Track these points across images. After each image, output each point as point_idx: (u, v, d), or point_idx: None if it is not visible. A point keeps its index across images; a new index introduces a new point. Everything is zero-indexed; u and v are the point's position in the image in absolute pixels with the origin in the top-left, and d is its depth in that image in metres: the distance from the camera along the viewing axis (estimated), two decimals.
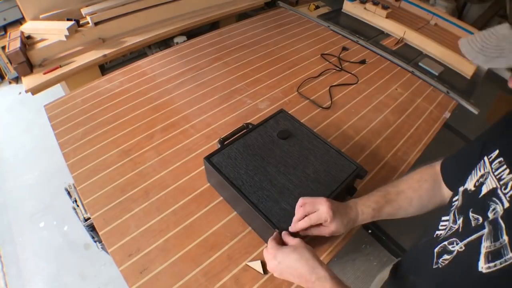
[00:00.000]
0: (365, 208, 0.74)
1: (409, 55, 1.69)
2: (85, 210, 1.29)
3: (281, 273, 0.64)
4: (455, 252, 0.48)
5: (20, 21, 2.40)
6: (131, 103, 1.24)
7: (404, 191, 0.73)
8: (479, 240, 0.43)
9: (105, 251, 1.65)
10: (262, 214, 0.76)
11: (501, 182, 0.45)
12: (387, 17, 1.84)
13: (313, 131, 0.97)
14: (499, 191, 0.45)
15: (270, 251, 0.67)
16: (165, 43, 2.11)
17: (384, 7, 1.86)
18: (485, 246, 0.42)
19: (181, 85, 1.34)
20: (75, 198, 1.37)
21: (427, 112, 1.31)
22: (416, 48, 1.75)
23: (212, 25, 2.30)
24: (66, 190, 1.42)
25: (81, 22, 1.79)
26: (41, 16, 1.77)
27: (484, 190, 0.48)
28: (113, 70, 1.40)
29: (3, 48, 2.41)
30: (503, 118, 0.58)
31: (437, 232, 0.58)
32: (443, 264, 0.50)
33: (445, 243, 0.51)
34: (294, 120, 1.00)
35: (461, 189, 0.56)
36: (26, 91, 1.52)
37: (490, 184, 0.47)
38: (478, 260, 0.42)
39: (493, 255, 0.40)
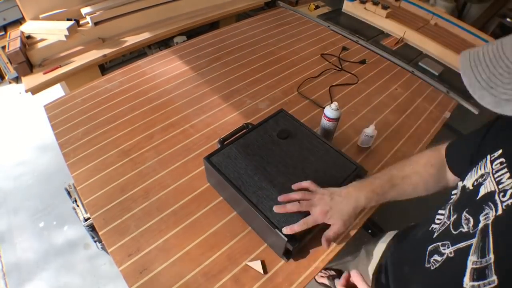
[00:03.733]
0: (369, 193, 0.73)
1: (409, 55, 1.69)
2: (85, 210, 1.30)
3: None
4: (445, 256, 0.48)
5: (20, 21, 2.40)
6: (131, 103, 1.24)
7: (410, 176, 0.72)
8: (467, 251, 0.43)
9: (105, 251, 1.65)
10: (262, 214, 0.76)
11: (500, 186, 0.44)
12: (387, 17, 1.84)
13: (313, 131, 0.97)
14: (496, 196, 0.43)
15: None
16: (165, 43, 2.11)
17: (384, 7, 1.86)
18: (471, 260, 0.42)
19: (181, 85, 1.34)
20: (75, 198, 1.37)
21: (427, 112, 1.31)
22: (416, 48, 1.75)
23: (212, 25, 2.30)
24: (66, 190, 1.43)
25: (81, 22, 1.80)
26: (41, 16, 1.77)
27: (482, 192, 0.46)
28: (113, 70, 1.40)
29: (3, 48, 2.41)
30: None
31: (433, 225, 0.58)
32: (434, 266, 0.50)
33: (439, 243, 0.51)
34: (294, 120, 1.00)
35: (460, 184, 0.55)
36: (26, 91, 1.52)
37: (488, 186, 0.46)
38: (464, 275, 0.42)
39: (478, 274, 0.40)
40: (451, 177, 0.70)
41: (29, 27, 1.71)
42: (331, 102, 1.08)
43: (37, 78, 1.56)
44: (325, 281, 1.45)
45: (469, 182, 0.52)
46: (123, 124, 1.15)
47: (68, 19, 1.75)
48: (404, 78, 1.48)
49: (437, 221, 0.57)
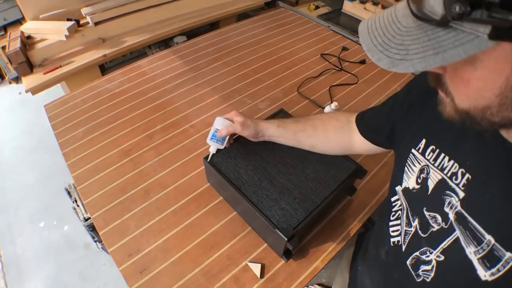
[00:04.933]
0: (270, 122, 0.84)
1: None
2: (85, 210, 1.30)
3: None
4: (433, 262, 0.45)
5: (20, 21, 2.40)
6: (131, 103, 1.24)
7: (312, 119, 0.79)
8: (457, 246, 0.41)
9: (105, 251, 1.65)
10: (262, 214, 0.76)
11: (446, 172, 0.43)
12: None
13: None
14: (450, 182, 0.42)
15: None
16: (165, 43, 2.12)
17: (384, 7, 1.86)
18: (471, 252, 0.39)
19: (181, 85, 1.34)
20: (75, 198, 1.38)
21: None
22: None
23: (212, 25, 2.30)
24: (66, 190, 1.43)
25: (81, 22, 1.80)
26: (41, 16, 1.77)
27: (431, 185, 0.46)
28: (113, 70, 1.40)
29: (3, 48, 2.41)
30: (412, 84, 0.58)
31: (392, 239, 0.55)
32: (429, 277, 0.47)
33: (416, 253, 0.49)
34: None
35: (398, 188, 0.53)
36: (26, 91, 1.52)
37: (434, 177, 0.45)
38: (475, 270, 0.39)
39: (489, 260, 0.37)
40: (357, 145, 0.74)
41: (29, 27, 1.71)
42: (331, 102, 1.08)
43: (37, 78, 1.56)
44: None
45: (409, 182, 0.50)
46: (123, 124, 1.16)
47: (68, 19, 1.75)
48: (404, 78, 1.48)
49: (393, 234, 0.55)
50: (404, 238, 0.52)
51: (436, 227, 0.45)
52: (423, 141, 0.48)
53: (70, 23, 1.68)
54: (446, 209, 0.42)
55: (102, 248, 1.62)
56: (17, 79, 2.79)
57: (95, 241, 1.58)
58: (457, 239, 0.41)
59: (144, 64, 1.44)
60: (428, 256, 0.46)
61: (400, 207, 0.54)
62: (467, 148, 0.41)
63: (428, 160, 0.47)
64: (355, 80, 1.43)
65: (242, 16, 2.37)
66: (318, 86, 1.38)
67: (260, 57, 1.53)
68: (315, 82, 1.41)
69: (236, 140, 0.92)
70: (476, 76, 0.30)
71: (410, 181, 0.51)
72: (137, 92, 1.29)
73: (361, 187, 0.99)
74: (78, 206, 1.35)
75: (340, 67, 1.50)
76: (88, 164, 1.02)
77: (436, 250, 0.44)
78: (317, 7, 2.12)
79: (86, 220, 1.30)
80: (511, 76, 0.28)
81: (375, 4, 1.88)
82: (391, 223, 0.56)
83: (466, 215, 0.40)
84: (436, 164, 0.45)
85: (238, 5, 2.25)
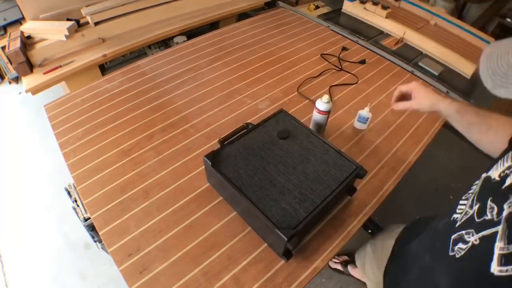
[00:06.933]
0: (450, 104, 0.79)
1: (409, 55, 1.69)
2: (85, 210, 1.30)
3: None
4: (469, 244, 0.50)
5: (20, 21, 2.40)
6: (131, 103, 1.24)
7: (491, 118, 0.73)
8: (493, 238, 0.44)
9: (105, 251, 1.65)
10: (262, 214, 0.76)
11: None
12: (387, 17, 1.84)
13: (313, 131, 0.97)
14: None
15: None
16: (165, 43, 2.12)
17: (384, 7, 1.86)
18: (498, 246, 0.43)
19: (181, 85, 1.34)
20: (75, 198, 1.37)
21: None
22: (416, 48, 1.75)
23: (212, 25, 2.30)
24: (66, 190, 1.42)
25: (81, 22, 1.80)
26: (41, 16, 1.77)
27: (508, 182, 0.48)
28: (113, 70, 1.40)
29: (3, 48, 2.40)
30: None
31: (454, 215, 0.60)
32: (459, 254, 0.52)
33: (463, 232, 0.53)
34: (294, 120, 1.00)
35: (483, 175, 0.57)
36: (26, 91, 1.52)
37: None
38: (491, 260, 0.43)
39: (506, 259, 0.41)
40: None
41: (29, 27, 1.71)
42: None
43: (37, 78, 1.56)
44: (339, 266, 1.51)
45: (494, 173, 0.54)
46: (123, 124, 1.16)
47: (68, 19, 1.75)
48: (404, 78, 1.48)
49: (458, 211, 0.60)
50: (462, 217, 0.57)
51: (489, 216, 0.48)
52: None
53: (70, 23, 1.68)
54: (505, 206, 0.45)
55: (102, 248, 1.62)
56: (17, 79, 2.79)
57: (95, 241, 1.58)
58: (497, 232, 0.45)
59: (144, 64, 1.44)
60: (469, 237, 0.51)
61: (474, 191, 0.58)
62: None
63: None
64: (355, 80, 1.43)
65: (242, 16, 2.37)
66: (318, 86, 1.38)
67: (260, 57, 1.53)
68: (315, 82, 1.41)
69: (237, 140, 0.93)
70: None
71: (495, 172, 0.54)
72: (137, 92, 1.29)
73: (361, 187, 0.99)
74: (78, 206, 1.35)
75: (340, 67, 1.50)
76: (88, 164, 1.02)
77: (477, 235, 0.49)
78: (317, 7, 2.12)
79: (86, 220, 1.30)
80: None
81: (375, 4, 1.88)
82: (461, 202, 0.61)
83: None
84: None
85: (238, 5, 2.26)
